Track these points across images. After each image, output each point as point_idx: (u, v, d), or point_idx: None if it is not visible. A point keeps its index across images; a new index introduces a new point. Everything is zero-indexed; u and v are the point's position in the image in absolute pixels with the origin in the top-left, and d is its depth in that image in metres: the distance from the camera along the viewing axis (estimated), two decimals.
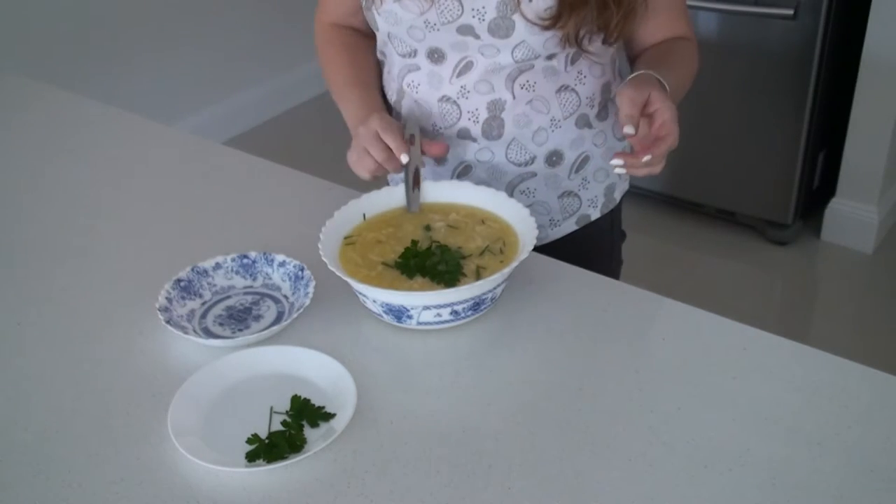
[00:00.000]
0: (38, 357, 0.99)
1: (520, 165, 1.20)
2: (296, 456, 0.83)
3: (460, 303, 0.96)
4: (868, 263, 2.64)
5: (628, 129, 0.98)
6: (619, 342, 0.98)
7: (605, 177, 1.27)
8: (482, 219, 1.07)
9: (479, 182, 1.17)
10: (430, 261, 1.00)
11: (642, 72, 1.07)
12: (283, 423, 0.87)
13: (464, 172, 1.22)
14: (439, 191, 1.13)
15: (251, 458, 0.83)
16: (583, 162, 1.23)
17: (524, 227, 1.04)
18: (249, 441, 0.84)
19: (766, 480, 0.80)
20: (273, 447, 0.84)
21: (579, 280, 1.08)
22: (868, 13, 2.37)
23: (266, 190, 1.32)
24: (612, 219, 1.32)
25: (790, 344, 0.96)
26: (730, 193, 2.73)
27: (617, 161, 1.00)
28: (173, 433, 0.84)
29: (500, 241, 1.03)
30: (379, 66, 1.26)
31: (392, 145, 1.09)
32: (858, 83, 2.46)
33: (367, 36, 1.26)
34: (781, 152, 2.57)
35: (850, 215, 2.65)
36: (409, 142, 1.12)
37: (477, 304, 0.97)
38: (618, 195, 1.31)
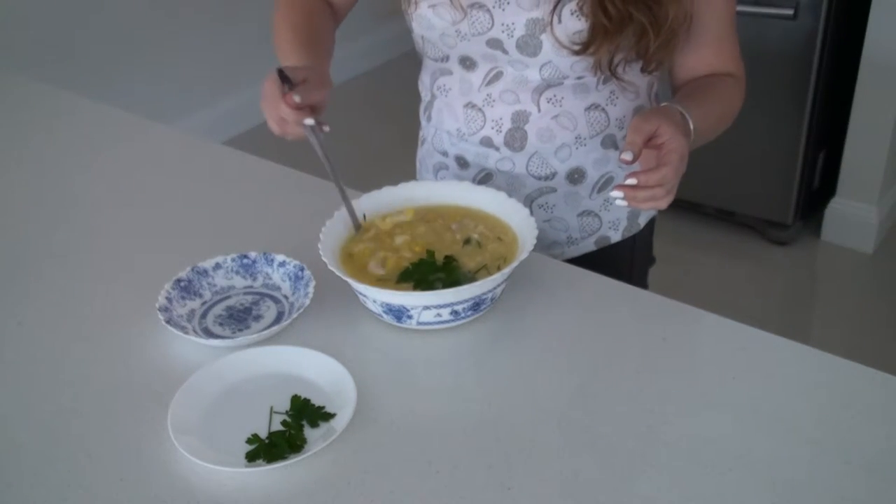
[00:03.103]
0: (38, 357, 0.99)
1: (540, 179, 1.19)
2: (296, 456, 0.83)
3: (460, 303, 0.96)
4: (868, 263, 2.64)
5: (626, 155, 0.95)
6: (620, 342, 0.98)
7: None
8: (499, 235, 1.06)
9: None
10: (432, 275, 1.00)
11: (665, 104, 1.03)
12: (283, 423, 0.87)
13: (485, 180, 1.22)
14: (441, 190, 1.13)
15: (251, 458, 0.83)
16: (606, 182, 1.21)
17: (524, 227, 1.04)
18: (249, 441, 0.84)
19: (766, 480, 0.79)
20: (273, 447, 0.83)
21: (579, 280, 1.08)
22: (868, 13, 2.37)
23: (266, 190, 1.32)
24: (634, 243, 1.28)
25: (790, 344, 0.96)
26: (730, 193, 2.73)
27: (617, 193, 0.95)
28: (173, 433, 0.84)
29: (500, 259, 1.03)
30: (332, 39, 1.23)
31: (288, 116, 1.01)
32: (858, 83, 2.46)
33: (330, 4, 1.25)
34: (781, 152, 2.57)
35: (850, 215, 2.65)
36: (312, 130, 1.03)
37: (477, 304, 0.97)
38: (642, 220, 1.28)
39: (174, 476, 0.82)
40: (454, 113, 1.20)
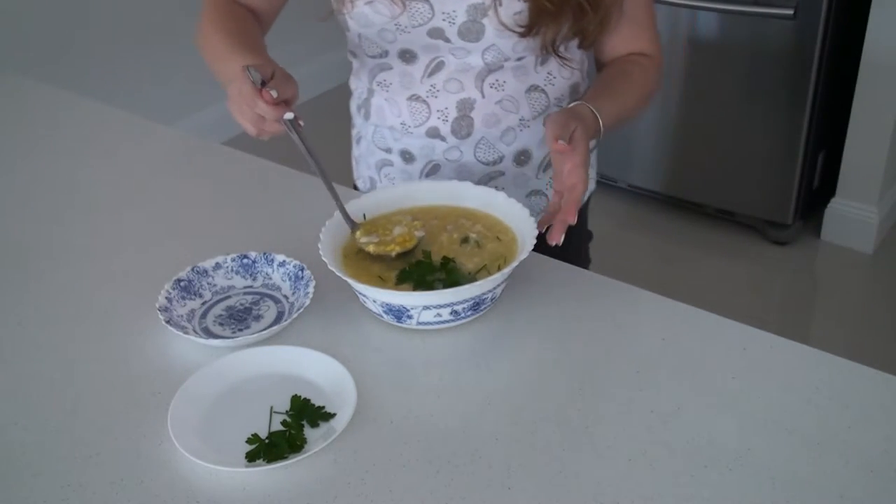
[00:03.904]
0: (39, 357, 0.99)
1: (488, 164, 1.22)
2: (296, 456, 0.83)
3: (460, 303, 0.96)
4: (868, 263, 2.64)
5: (563, 143, 0.97)
6: (619, 342, 0.98)
7: None
8: (497, 234, 1.06)
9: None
10: (430, 276, 1.00)
11: (580, 103, 1.07)
12: (283, 423, 0.87)
13: (432, 171, 1.23)
14: (440, 189, 1.13)
15: (251, 458, 0.83)
16: (550, 161, 1.24)
17: (524, 227, 1.04)
18: (249, 441, 0.84)
19: (766, 480, 0.80)
20: (273, 447, 0.83)
21: (579, 280, 1.08)
22: (868, 13, 2.37)
23: (266, 190, 1.32)
24: (578, 217, 1.31)
25: (790, 344, 0.96)
26: (730, 193, 2.74)
27: (556, 241, 0.98)
28: (173, 433, 0.84)
29: (500, 259, 1.03)
30: (264, 44, 1.21)
31: (267, 113, 0.99)
32: (858, 83, 2.46)
33: (256, 14, 1.23)
34: (781, 152, 2.57)
35: (850, 215, 2.65)
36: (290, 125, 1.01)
37: (477, 304, 0.97)
38: (585, 195, 1.31)
39: (174, 476, 0.82)
40: (397, 107, 1.20)
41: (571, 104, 1.09)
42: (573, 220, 0.98)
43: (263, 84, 0.99)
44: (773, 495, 0.78)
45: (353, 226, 1.06)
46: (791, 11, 2.32)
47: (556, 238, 0.97)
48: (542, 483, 0.80)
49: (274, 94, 0.98)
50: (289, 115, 0.99)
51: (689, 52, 2.58)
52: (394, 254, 1.02)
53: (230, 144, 1.48)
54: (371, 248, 1.02)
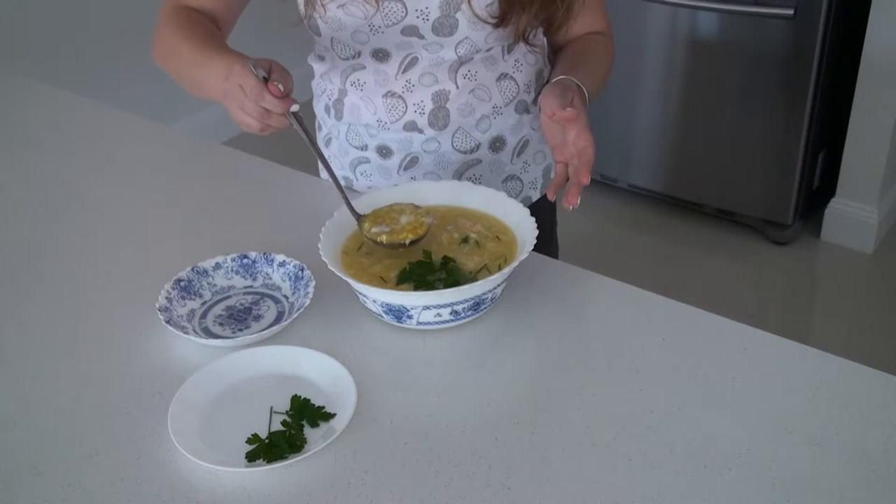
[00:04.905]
0: (38, 357, 0.99)
1: (465, 153, 1.23)
2: (296, 456, 0.83)
3: (460, 303, 0.96)
4: (868, 263, 2.64)
5: (571, 110, 1.02)
6: (619, 342, 0.98)
7: (542, 159, 1.32)
8: (497, 234, 1.06)
9: (427, 173, 1.21)
10: (431, 276, 1.00)
11: (563, 77, 1.11)
12: (283, 423, 0.87)
13: (411, 164, 1.24)
14: (440, 189, 1.13)
15: (251, 458, 0.83)
16: (523, 146, 1.28)
17: (524, 227, 1.04)
18: (249, 441, 0.84)
19: (766, 480, 0.80)
20: (273, 447, 0.83)
21: (579, 280, 1.08)
22: (868, 13, 2.37)
23: (266, 190, 1.32)
24: (550, 204, 1.36)
25: (790, 344, 0.96)
26: (730, 193, 2.74)
27: (573, 203, 1.03)
28: (173, 433, 0.84)
29: (500, 259, 1.03)
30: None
31: (271, 106, 0.99)
32: (858, 83, 2.46)
33: (215, 21, 1.23)
34: (781, 152, 2.57)
35: (850, 215, 2.65)
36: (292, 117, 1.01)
37: (477, 304, 0.97)
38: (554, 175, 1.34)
39: (174, 476, 0.82)
40: (372, 105, 1.20)
41: (555, 79, 1.12)
42: (587, 182, 1.03)
43: (265, 79, 0.99)
44: (773, 495, 0.78)
45: (359, 217, 1.06)
46: (791, 11, 2.32)
47: (573, 200, 1.02)
48: (542, 483, 0.80)
49: (280, 87, 0.98)
50: (295, 108, 1.00)
51: (689, 52, 2.58)
52: (407, 241, 1.02)
53: (230, 144, 1.49)
54: (384, 238, 1.02)
